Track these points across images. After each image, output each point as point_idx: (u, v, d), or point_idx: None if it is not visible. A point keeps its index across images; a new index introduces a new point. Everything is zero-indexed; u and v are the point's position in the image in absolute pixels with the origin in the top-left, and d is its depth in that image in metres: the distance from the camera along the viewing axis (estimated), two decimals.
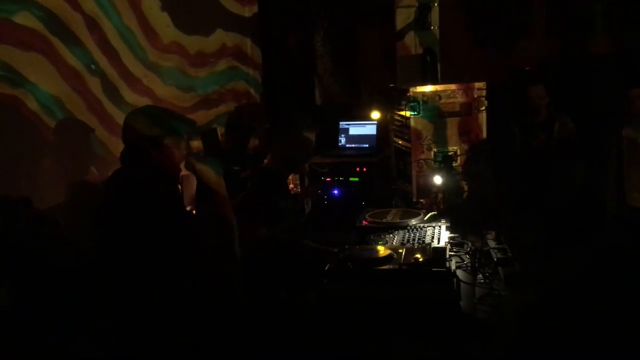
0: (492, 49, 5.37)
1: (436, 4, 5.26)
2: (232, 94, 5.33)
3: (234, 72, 5.37)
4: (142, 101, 4.13)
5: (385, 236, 3.13)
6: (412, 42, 5.33)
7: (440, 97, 3.79)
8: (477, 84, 3.83)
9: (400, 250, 2.80)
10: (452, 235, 3.16)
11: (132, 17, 4.03)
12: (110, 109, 3.79)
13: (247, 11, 5.56)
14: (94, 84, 3.69)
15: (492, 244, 3.11)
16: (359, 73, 5.83)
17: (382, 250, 2.81)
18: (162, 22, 4.34)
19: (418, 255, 2.71)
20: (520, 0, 5.43)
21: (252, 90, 5.65)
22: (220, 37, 5.12)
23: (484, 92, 3.83)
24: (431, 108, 3.79)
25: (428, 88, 3.83)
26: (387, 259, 2.71)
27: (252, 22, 5.62)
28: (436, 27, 5.28)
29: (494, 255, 2.96)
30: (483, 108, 3.84)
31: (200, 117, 4.83)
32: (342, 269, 2.69)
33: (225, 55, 5.21)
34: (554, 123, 4.06)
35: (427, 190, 3.76)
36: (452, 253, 2.94)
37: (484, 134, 3.88)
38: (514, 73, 5.17)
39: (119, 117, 3.58)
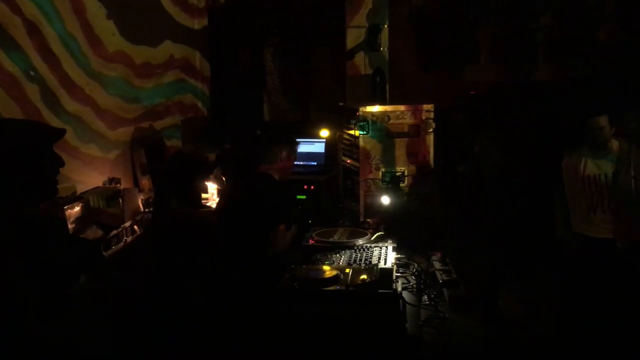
0: (439, 73, 5.46)
1: (386, 26, 5.32)
2: (179, 106, 5.22)
3: (181, 85, 5.26)
4: (84, 110, 3.98)
5: (332, 256, 3.10)
6: (362, 62, 5.37)
7: (389, 118, 3.81)
8: (426, 106, 3.87)
9: (347, 271, 2.78)
10: (399, 256, 3.16)
11: (76, 23, 3.88)
12: (48, 117, 3.63)
13: (197, 24, 5.47)
14: (32, 91, 3.53)
15: (437, 265, 3.12)
16: (309, 91, 5.82)
17: (328, 270, 2.78)
18: (107, 30, 4.21)
19: (365, 276, 2.69)
20: (466, 27, 5.56)
21: (199, 104, 5.55)
22: (168, 49, 5.01)
23: (432, 114, 3.87)
24: (380, 128, 3.81)
25: (377, 108, 3.85)
26: (334, 279, 2.68)
27: (202, 35, 5.53)
28: (386, 49, 5.33)
29: (439, 276, 2.97)
30: (431, 130, 3.88)
31: (146, 129, 4.70)
32: (288, 290, 2.64)
33: (173, 67, 5.10)
34: (474, 147, 4.15)
35: (374, 210, 3.76)
36: (399, 274, 2.93)
37: (431, 156, 3.91)
38: (460, 97, 5.27)
39: (58, 126, 3.41)
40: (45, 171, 1.96)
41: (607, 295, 3.50)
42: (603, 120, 3.73)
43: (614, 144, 3.78)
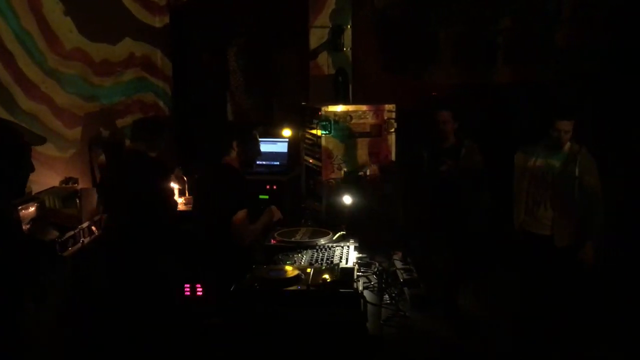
0: (402, 74, 5.50)
1: (349, 27, 5.34)
2: (140, 105, 5.13)
3: (142, 83, 5.18)
4: (40, 109, 3.87)
5: (293, 256, 3.09)
6: (325, 62, 5.37)
7: (351, 118, 3.82)
8: (387, 106, 3.89)
9: (309, 271, 2.76)
10: (360, 255, 3.16)
11: (32, 20, 3.78)
12: (3, 116, 3.51)
13: (158, 21, 5.40)
14: None
15: (398, 264, 3.14)
16: (272, 90, 5.80)
17: (290, 270, 2.76)
18: (64, 27, 4.11)
19: (326, 276, 2.68)
20: (428, 29, 5.62)
21: (160, 103, 5.47)
22: (128, 46, 4.92)
23: (393, 115, 3.90)
24: (342, 128, 3.82)
25: (340, 108, 3.85)
26: (295, 279, 2.66)
27: (163, 33, 5.46)
28: (349, 49, 5.35)
29: (400, 275, 2.98)
30: (392, 130, 3.90)
31: (105, 128, 4.61)
32: (249, 290, 2.62)
33: (133, 65, 5.01)
34: (461, 149, 4.18)
35: (336, 209, 3.75)
36: (360, 273, 2.94)
37: (393, 156, 3.93)
38: (422, 98, 5.31)
39: None
40: (21, 172, 2.14)
41: (548, 294, 3.59)
42: (568, 125, 3.79)
43: (567, 145, 3.86)
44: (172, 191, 4.01)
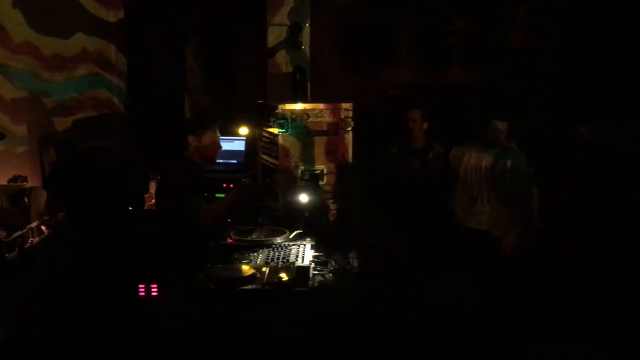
0: (360, 72, 5.52)
1: (307, 25, 5.32)
2: (93, 102, 5.00)
3: (95, 79, 5.05)
4: None
5: (249, 255, 3.07)
6: (283, 60, 5.34)
7: (308, 116, 3.81)
8: (344, 105, 3.89)
9: (264, 269, 2.76)
10: (317, 253, 3.16)
11: None
12: None
13: (112, 16, 5.27)
14: None
15: (355, 263, 3.14)
16: (230, 88, 5.74)
17: (245, 269, 2.75)
18: (13, 19, 3.98)
19: (282, 275, 2.68)
20: (387, 28, 5.65)
21: (115, 100, 5.34)
22: (80, 41, 4.79)
23: (350, 113, 3.90)
24: (299, 126, 3.80)
25: (300, 106, 3.84)
26: (250, 278, 2.65)
27: (118, 28, 5.33)
28: (307, 47, 5.34)
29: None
30: (350, 128, 3.90)
31: (57, 124, 4.48)
32: (203, 290, 2.59)
33: (86, 60, 4.88)
34: (429, 151, 4.25)
35: (293, 208, 3.74)
36: (316, 272, 2.93)
37: (350, 154, 3.94)
38: (380, 97, 5.34)
39: None
40: None
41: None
42: (504, 125, 3.95)
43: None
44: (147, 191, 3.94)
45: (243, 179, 3.68)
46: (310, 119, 3.82)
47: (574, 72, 4.95)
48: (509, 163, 3.93)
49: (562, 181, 4.52)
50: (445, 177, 4.14)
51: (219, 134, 3.56)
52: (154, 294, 3.52)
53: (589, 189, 4.41)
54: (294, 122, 3.78)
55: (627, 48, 4.81)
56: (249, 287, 2.60)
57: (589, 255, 4.12)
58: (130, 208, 3.77)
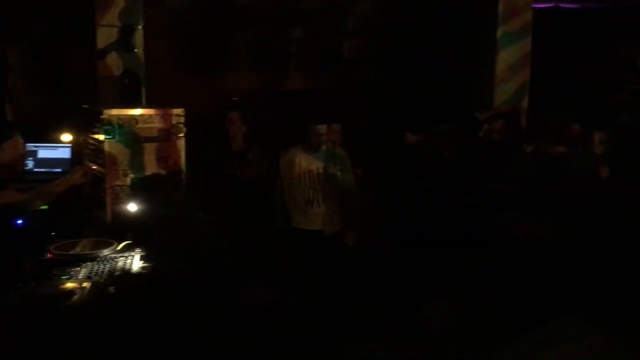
0: (196, 77, 5.44)
1: (140, 27, 5.13)
2: None
3: None
4: None
5: (70, 270, 2.88)
6: (114, 63, 5.10)
7: (137, 122, 3.67)
8: (176, 110, 3.80)
9: (85, 285, 2.60)
10: (146, 264, 3.04)
11: None
12: None
13: None
14: None
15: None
16: (58, 92, 5.36)
17: (63, 286, 2.57)
18: None
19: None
20: (223, 34, 5.63)
21: None
22: None
23: (182, 119, 3.82)
24: (128, 132, 3.64)
25: (135, 112, 3.69)
26: (68, 295, 2.48)
27: None
28: (140, 50, 5.14)
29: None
30: (181, 134, 3.82)
31: None
32: (11, 312, 2.37)
33: None
34: (247, 154, 4.31)
35: (123, 217, 3.57)
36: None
37: (183, 161, 3.86)
38: (217, 103, 5.30)
39: None
40: None
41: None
42: (323, 129, 4.19)
43: (323, 146, 4.29)
44: None
45: (77, 166, 3.42)
46: (139, 125, 3.68)
47: (401, 81, 5.30)
48: (336, 166, 4.17)
49: (389, 180, 4.84)
50: (263, 180, 4.24)
51: (21, 143, 3.31)
52: None
53: (414, 188, 4.74)
54: (122, 128, 3.62)
55: (450, 56, 5.25)
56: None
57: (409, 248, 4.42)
58: None
